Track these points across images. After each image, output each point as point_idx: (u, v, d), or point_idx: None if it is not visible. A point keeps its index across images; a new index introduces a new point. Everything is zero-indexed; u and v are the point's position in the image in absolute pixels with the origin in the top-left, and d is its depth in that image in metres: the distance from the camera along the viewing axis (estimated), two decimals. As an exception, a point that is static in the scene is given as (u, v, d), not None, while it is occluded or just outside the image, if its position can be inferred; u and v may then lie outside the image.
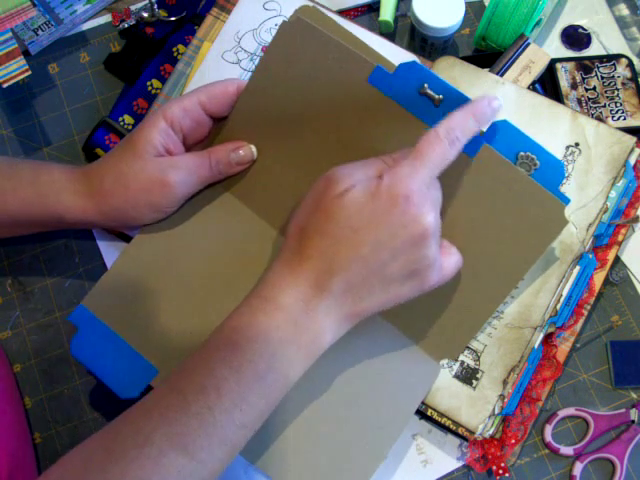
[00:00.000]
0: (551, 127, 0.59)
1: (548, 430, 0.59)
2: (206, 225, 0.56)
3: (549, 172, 0.50)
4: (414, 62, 0.50)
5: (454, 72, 0.61)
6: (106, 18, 0.71)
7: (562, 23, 0.70)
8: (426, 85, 0.50)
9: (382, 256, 0.45)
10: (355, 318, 0.47)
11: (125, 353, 0.53)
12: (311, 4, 0.56)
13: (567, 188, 0.58)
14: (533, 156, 0.50)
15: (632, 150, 0.59)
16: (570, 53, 0.69)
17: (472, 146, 0.50)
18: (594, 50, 0.69)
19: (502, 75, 0.63)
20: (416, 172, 0.45)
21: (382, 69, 0.50)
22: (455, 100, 0.49)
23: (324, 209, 0.46)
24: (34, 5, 0.59)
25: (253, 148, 0.56)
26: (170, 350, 0.53)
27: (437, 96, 0.50)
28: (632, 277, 0.63)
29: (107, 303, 0.55)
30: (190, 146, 0.57)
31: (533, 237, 0.51)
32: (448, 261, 0.49)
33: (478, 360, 0.56)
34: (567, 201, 0.50)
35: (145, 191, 0.52)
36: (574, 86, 0.65)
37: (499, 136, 0.50)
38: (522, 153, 0.51)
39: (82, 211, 0.54)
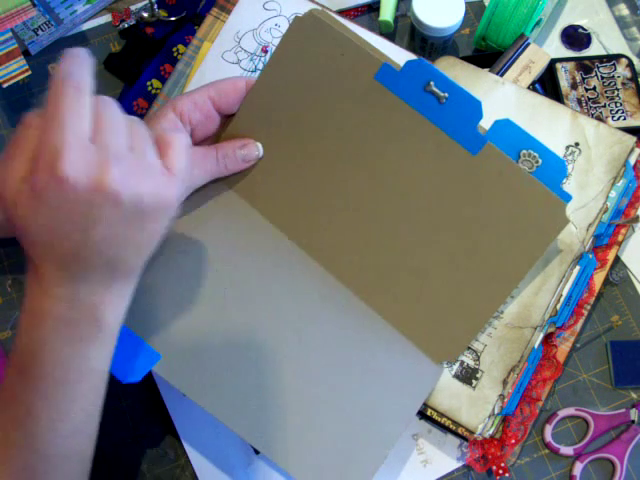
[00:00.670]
0: (551, 127, 0.59)
1: (548, 430, 0.59)
2: (207, 221, 0.56)
3: (551, 170, 0.50)
4: (421, 59, 0.50)
5: (454, 72, 0.61)
6: (106, 18, 0.71)
7: (562, 23, 0.70)
8: (432, 83, 0.50)
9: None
10: (124, 278, 0.43)
11: (127, 338, 0.53)
12: (315, 5, 0.56)
13: (567, 188, 0.58)
14: (535, 154, 0.51)
15: (632, 150, 0.59)
16: (570, 53, 0.69)
17: (474, 143, 0.50)
18: (594, 50, 0.69)
19: (502, 75, 0.63)
20: None
21: (389, 66, 0.51)
22: (460, 98, 0.50)
23: None
24: (34, 5, 0.59)
25: (259, 145, 0.56)
26: (172, 335, 0.53)
27: (442, 94, 0.50)
28: (632, 277, 0.63)
29: None
30: (198, 141, 0.56)
31: (534, 235, 0.52)
32: (174, 154, 0.41)
33: (478, 360, 0.56)
34: (569, 198, 0.51)
35: None
36: (574, 86, 0.65)
37: (501, 134, 0.51)
38: (524, 151, 0.51)
39: None
